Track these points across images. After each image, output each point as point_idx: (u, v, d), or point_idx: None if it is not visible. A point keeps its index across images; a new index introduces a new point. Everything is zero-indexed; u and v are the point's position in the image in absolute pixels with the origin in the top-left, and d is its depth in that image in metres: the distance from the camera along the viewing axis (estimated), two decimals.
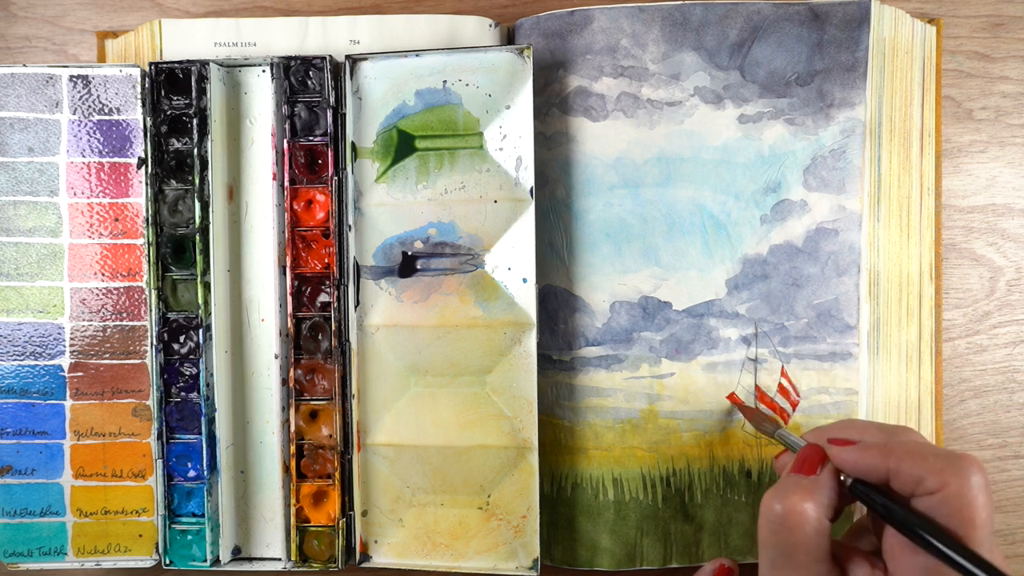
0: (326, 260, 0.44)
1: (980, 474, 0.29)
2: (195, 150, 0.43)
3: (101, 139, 0.44)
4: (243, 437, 0.45)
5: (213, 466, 0.43)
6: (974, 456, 0.30)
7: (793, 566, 0.31)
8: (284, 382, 0.44)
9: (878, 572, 0.32)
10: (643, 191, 0.43)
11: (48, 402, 0.44)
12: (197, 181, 0.43)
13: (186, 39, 0.45)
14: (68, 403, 0.44)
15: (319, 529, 0.44)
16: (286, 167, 0.43)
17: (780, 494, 0.32)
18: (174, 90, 0.43)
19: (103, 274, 0.44)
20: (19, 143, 0.43)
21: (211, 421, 0.43)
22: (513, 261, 0.43)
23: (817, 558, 0.31)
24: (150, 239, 0.43)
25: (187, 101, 0.43)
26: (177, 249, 0.44)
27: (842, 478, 0.33)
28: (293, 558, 0.44)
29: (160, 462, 0.44)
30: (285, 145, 0.43)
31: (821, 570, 0.31)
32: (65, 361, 0.44)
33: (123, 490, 0.44)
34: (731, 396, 0.44)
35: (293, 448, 0.43)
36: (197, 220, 0.43)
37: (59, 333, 0.44)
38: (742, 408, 0.43)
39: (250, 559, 0.45)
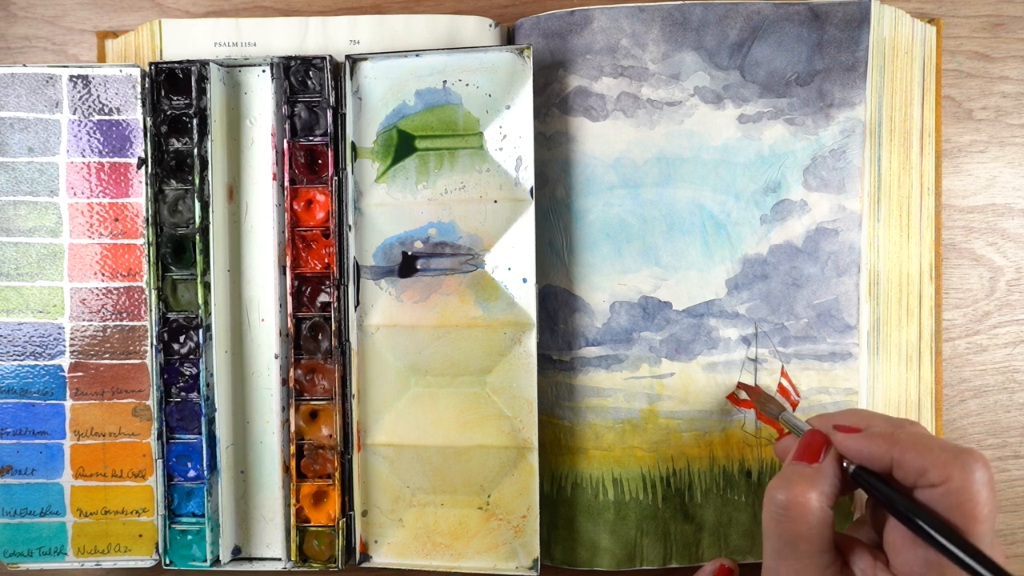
0: (326, 260, 0.44)
1: (985, 469, 0.29)
2: (195, 150, 0.43)
3: (101, 139, 0.44)
4: (243, 437, 0.45)
5: (213, 466, 0.43)
6: (980, 452, 0.30)
7: (797, 556, 0.32)
8: (284, 382, 0.44)
9: (879, 563, 0.32)
10: (643, 191, 0.43)
11: (48, 402, 0.44)
12: (197, 181, 0.43)
13: (186, 39, 0.45)
14: (68, 403, 0.44)
15: (319, 529, 0.44)
16: (286, 167, 0.43)
17: (784, 484, 0.32)
18: (174, 90, 0.43)
19: (103, 274, 0.44)
20: (19, 143, 0.43)
21: (211, 421, 0.43)
22: (513, 261, 0.43)
23: (821, 548, 0.31)
24: (150, 239, 0.43)
25: (187, 101, 0.43)
26: (177, 249, 0.44)
27: (844, 464, 0.33)
28: (293, 558, 0.44)
29: (160, 462, 0.44)
30: (285, 145, 0.43)
31: (824, 560, 0.32)
32: (65, 361, 0.44)
33: (123, 490, 0.44)
34: (731, 396, 0.44)
35: (293, 448, 0.43)
36: (197, 220, 0.43)
37: (59, 333, 0.44)
38: (746, 388, 0.43)
39: (250, 559, 0.45)
